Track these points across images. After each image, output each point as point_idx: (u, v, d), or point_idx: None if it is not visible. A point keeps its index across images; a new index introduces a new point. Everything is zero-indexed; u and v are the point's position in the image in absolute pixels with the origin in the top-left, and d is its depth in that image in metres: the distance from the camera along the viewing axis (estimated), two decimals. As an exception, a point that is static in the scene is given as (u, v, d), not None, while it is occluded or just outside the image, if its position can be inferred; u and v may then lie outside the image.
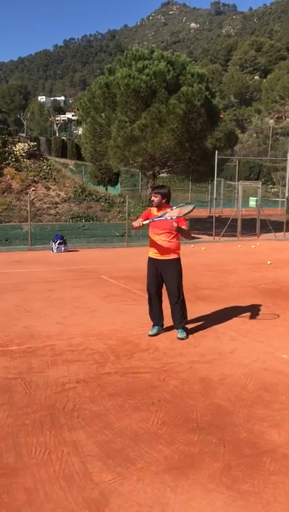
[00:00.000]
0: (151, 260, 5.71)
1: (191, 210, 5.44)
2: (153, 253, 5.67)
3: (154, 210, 5.62)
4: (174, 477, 2.88)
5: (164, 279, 5.68)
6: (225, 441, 3.32)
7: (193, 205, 5.56)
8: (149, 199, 5.61)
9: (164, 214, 5.41)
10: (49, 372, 4.57)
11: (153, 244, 5.63)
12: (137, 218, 5.66)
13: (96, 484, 2.80)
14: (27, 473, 2.91)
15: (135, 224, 5.47)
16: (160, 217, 5.42)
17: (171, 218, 5.37)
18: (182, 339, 5.55)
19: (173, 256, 5.62)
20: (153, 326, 5.81)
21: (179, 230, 5.45)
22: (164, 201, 5.55)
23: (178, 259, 5.69)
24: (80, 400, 3.96)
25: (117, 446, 3.24)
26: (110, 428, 3.49)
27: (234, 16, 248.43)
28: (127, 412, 3.73)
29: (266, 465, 3.02)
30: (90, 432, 3.42)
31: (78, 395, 4.04)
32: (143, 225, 5.45)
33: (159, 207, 5.54)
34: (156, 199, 5.54)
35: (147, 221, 5.47)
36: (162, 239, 5.56)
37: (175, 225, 5.35)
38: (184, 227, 5.51)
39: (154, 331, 5.75)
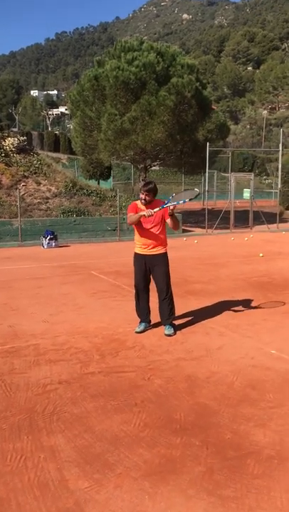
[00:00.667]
0: (138, 256, 5.57)
1: (197, 195, 5.32)
2: (141, 248, 5.52)
3: (140, 205, 5.45)
4: (153, 483, 2.76)
5: (153, 274, 5.55)
6: (208, 443, 3.20)
7: (197, 191, 5.41)
8: (142, 197, 5.39)
9: (168, 202, 5.26)
10: (31, 373, 4.45)
11: (141, 238, 5.48)
12: (128, 215, 5.47)
13: (71, 492, 2.69)
14: (0, 482, 2.79)
15: (133, 217, 5.31)
16: (167, 203, 5.24)
17: (176, 204, 5.23)
18: (170, 335, 5.44)
19: (161, 250, 5.51)
20: (140, 322, 5.70)
21: (172, 215, 5.29)
22: (154, 198, 5.41)
23: (166, 254, 5.58)
24: (60, 402, 3.83)
25: (96, 450, 3.12)
26: (90, 431, 3.37)
27: (226, 7, 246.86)
28: (109, 414, 3.61)
29: (250, 468, 2.91)
30: (69, 436, 3.30)
31: (59, 397, 3.92)
32: (141, 216, 5.25)
33: (150, 204, 5.37)
34: (148, 198, 5.36)
35: (156, 209, 5.24)
36: (152, 234, 5.42)
37: (171, 207, 5.19)
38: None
39: (141, 327, 5.63)
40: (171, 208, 5.22)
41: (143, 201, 5.38)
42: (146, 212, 5.22)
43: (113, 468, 2.92)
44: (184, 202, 5.33)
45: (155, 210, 5.24)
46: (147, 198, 5.35)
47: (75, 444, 3.20)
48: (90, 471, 2.89)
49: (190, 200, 5.30)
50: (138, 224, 5.43)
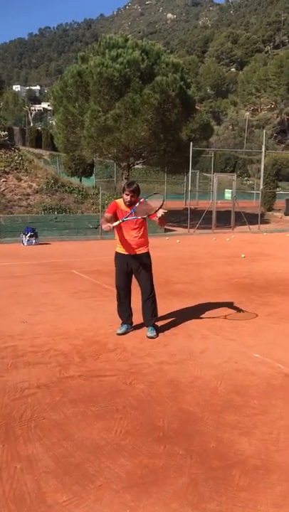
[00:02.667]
0: (120, 256, 5.42)
1: (162, 205, 5.16)
2: (123, 248, 5.38)
3: (121, 203, 5.29)
4: (135, 496, 2.64)
5: (136, 274, 5.42)
6: (192, 452, 3.09)
7: (162, 198, 5.30)
8: (126, 198, 5.23)
9: (133, 210, 5.12)
10: (8, 376, 4.28)
11: (123, 239, 5.34)
12: (104, 215, 5.32)
13: (49, 506, 2.54)
14: (-27, 496, 2.63)
15: (105, 227, 5.14)
16: (130, 214, 5.11)
17: (143, 217, 5.10)
18: (152, 338, 5.31)
19: (144, 250, 5.40)
20: (122, 324, 5.56)
21: (161, 218, 5.11)
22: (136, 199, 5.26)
23: (149, 253, 5.46)
24: (39, 407, 3.68)
25: (76, 460, 2.98)
26: (70, 439, 3.22)
27: (211, 8, 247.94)
28: (89, 421, 3.47)
29: (235, 479, 2.80)
30: (47, 445, 3.15)
31: (38, 402, 3.76)
32: (114, 227, 5.13)
33: (132, 204, 5.21)
34: (132, 198, 5.19)
35: (118, 222, 5.14)
36: (134, 234, 5.29)
37: (159, 215, 5.02)
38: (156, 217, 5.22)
39: (123, 329, 5.50)
40: (159, 215, 5.04)
41: (127, 202, 5.20)
42: (104, 225, 5.10)
43: (93, 480, 2.78)
44: (148, 215, 5.16)
45: (116, 223, 5.12)
46: (132, 199, 5.19)
47: (54, 453, 3.05)
48: (69, 483, 2.75)
49: (155, 212, 5.12)
50: (118, 227, 5.29)
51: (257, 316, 6.43)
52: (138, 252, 5.36)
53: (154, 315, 5.47)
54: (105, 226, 5.13)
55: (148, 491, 2.69)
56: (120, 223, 5.15)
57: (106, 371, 4.41)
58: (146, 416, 3.57)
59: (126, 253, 5.36)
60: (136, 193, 5.21)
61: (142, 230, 5.35)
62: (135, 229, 5.29)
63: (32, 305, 6.83)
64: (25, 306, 6.75)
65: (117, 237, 5.42)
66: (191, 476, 2.83)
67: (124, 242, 5.34)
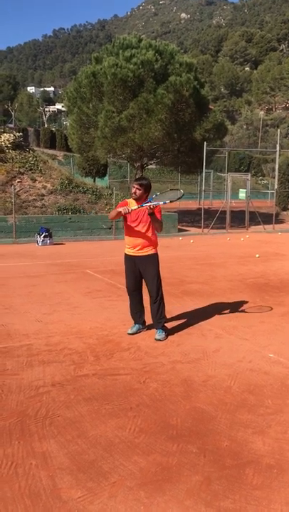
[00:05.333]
0: (128, 257, 5.41)
1: (181, 197, 5.17)
2: (130, 250, 5.37)
3: (131, 202, 5.30)
4: (149, 493, 2.66)
5: (143, 276, 5.39)
6: (206, 450, 3.10)
7: (182, 192, 5.28)
8: (133, 191, 5.26)
9: (150, 199, 5.13)
10: (23, 374, 4.33)
11: (130, 239, 5.34)
12: (116, 208, 5.34)
13: (64, 502, 2.58)
14: (-11, 491, 2.67)
15: (111, 213, 5.16)
16: (147, 202, 5.09)
17: (158, 204, 5.08)
18: (160, 340, 5.25)
19: (151, 251, 5.32)
20: (134, 324, 5.57)
21: (152, 215, 5.09)
22: (145, 195, 5.25)
23: (156, 255, 5.38)
24: (53, 405, 3.72)
25: (90, 457, 3.01)
26: (84, 437, 3.26)
27: (225, 7, 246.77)
28: (103, 419, 3.50)
29: (249, 478, 2.81)
30: (61, 442, 3.19)
31: (52, 400, 3.81)
32: (118, 212, 5.08)
33: (139, 200, 5.25)
34: (138, 192, 5.20)
35: (134, 207, 5.10)
36: (140, 231, 5.26)
37: (152, 206, 5.01)
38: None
39: (134, 329, 5.50)
40: (151, 206, 5.04)
41: (134, 195, 5.23)
42: (122, 208, 5.06)
43: (107, 477, 2.81)
44: (164, 203, 5.15)
45: (133, 207, 5.09)
46: (137, 191, 5.18)
47: (68, 450, 3.09)
48: (84, 480, 2.78)
49: (172, 201, 5.15)
50: (125, 223, 5.32)
51: (272, 309, 6.46)
52: (144, 254, 5.30)
53: (161, 317, 5.39)
54: (112, 212, 5.21)
55: (162, 488, 2.70)
56: (127, 212, 5.07)
57: (120, 370, 4.44)
58: (159, 414, 3.58)
59: (132, 254, 5.35)
60: (143, 186, 5.19)
61: (147, 230, 5.29)
62: (137, 226, 5.24)
63: (47, 304, 6.89)
64: (40, 306, 6.81)
65: (125, 237, 5.43)
66: (204, 474, 2.84)
67: (130, 242, 5.34)
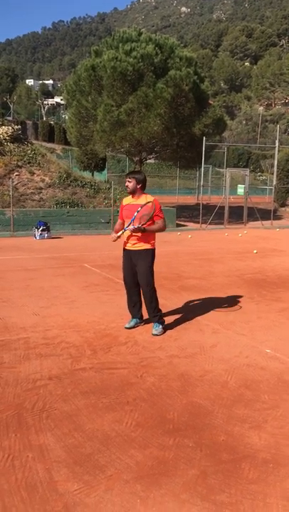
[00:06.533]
0: (125, 251, 5.42)
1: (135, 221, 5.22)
2: (127, 244, 5.38)
3: (128, 199, 5.35)
4: (145, 486, 2.67)
5: (137, 269, 5.39)
6: (202, 444, 3.11)
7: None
8: (126, 184, 5.30)
9: (138, 210, 5.17)
10: (20, 367, 4.33)
11: (127, 233, 5.33)
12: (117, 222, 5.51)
13: (60, 495, 2.58)
14: (-14, 483, 2.68)
15: (111, 238, 5.40)
16: (131, 222, 5.18)
17: (138, 227, 5.12)
18: (156, 335, 5.25)
19: (145, 246, 5.29)
20: (131, 318, 5.57)
21: (144, 230, 5.15)
22: (138, 187, 5.24)
23: (150, 250, 5.32)
24: (50, 398, 3.72)
25: (87, 450, 3.02)
26: (81, 430, 3.26)
27: (225, 1, 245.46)
28: (100, 413, 3.51)
29: (245, 472, 2.82)
30: (58, 435, 3.19)
31: (49, 393, 3.81)
32: (117, 237, 5.31)
33: (134, 193, 5.26)
34: (130, 184, 5.22)
35: (120, 233, 5.31)
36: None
37: (136, 226, 5.11)
38: (155, 224, 5.28)
39: (131, 323, 5.50)
40: (131, 228, 5.15)
41: (127, 189, 5.29)
42: (111, 237, 5.37)
43: (104, 470, 2.82)
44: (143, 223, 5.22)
45: (119, 233, 5.32)
46: (130, 184, 5.22)
47: (65, 443, 3.09)
48: (80, 473, 2.79)
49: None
50: (124, 217, 5.37)
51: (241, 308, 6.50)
52: (138, 248, 5.29)
53: (155, 312, 5.39)
54: (111, 237, 5.39)
55: (158, 481, 2.71)
56: (121, 233, 5.31)
57: (117, 364, 4.44)
58: (156, 409, 3.59)
59: (128, 248, 5.36)
60: (134, 179, 5.22)
61: (145, 224, 5.30)
62: (134, 222, 5.26)
63: (44, 298, 6.88)
64: (38, 299, 6.80)
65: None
66: (200, 468, 2.85)
67: (127, 237, 5.34)
